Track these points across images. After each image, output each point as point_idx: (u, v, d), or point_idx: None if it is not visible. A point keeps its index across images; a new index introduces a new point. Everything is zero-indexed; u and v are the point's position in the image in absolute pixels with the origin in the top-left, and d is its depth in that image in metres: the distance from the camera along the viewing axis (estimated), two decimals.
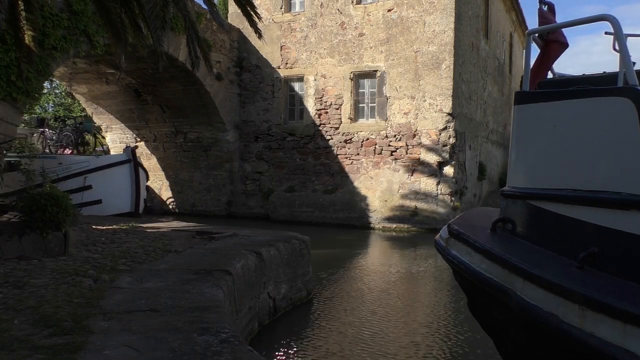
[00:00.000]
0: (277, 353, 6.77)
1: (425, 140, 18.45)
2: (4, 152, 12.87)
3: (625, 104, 3.40)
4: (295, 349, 6.92)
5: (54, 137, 19.24)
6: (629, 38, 3.97)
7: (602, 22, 3.83)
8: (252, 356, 3.74)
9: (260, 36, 10.09)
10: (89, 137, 19.90)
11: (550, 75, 4.98)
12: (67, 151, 19.11)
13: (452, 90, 18.04)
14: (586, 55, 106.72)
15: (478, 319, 4.77)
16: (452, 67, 18.02)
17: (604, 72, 4.58)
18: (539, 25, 4.70)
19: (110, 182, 16.14)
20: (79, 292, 5.26)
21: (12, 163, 16.04)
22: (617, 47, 3.89)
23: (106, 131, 23.84)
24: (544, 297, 3.29)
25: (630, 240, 3.22)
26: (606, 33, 4.23)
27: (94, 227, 9.99)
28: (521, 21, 29.14)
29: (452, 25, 17.96)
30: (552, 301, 3.22)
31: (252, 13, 9.71)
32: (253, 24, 9.79)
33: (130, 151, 16.70)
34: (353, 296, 9.97)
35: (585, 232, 3.55)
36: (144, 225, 10.75)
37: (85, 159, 16.52)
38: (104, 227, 10.04)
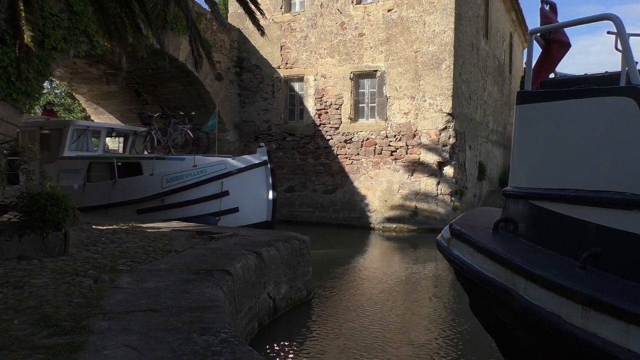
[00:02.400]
0: (277, 353, 6.76)
1: (425, 140, 18.44)
2: (4, 152, 12.82)
3: (628, 103, 3.39)
4: (295, 349, 6.91)
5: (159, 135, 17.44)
6: (631, 38, 3.96)
7: (600, 22, 3.82)
8: (252, 356, 3.73)
9: (262, 33, 10.08)
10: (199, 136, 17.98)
11: (551, 75, 4.96)
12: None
13: (452, 90, 18.03)
14: (584, 56, 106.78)
15: (480, 319, 4.76)
16: (452, 67, 18.01)
17: (606, 72, 4.57)
18: (541, 24, 4.69)
19: (246, 187, 14.27)
20: (79, 292, 5.25)
21: (133, 164, 15.03)
22: (619, 47, 3.88)
23: None
24: (547, 297, 3.28)
25: (633, 240, 3.21)
26: (608, 32, 4.21)
27: (94, 227, 9.97)
28: (521, 21, 29.14)
29: (452, 25, 17.96)
30: (555, 301, 3.21)
31: (254, 10, 9.68)
32: (255, 22, 9.77)
33: (266, 151, 14.67)
34: (353, 296, 9.96)
35: (588, 232, 3.54)
36: (144, 225, 10.73)
37: (221, 160, 14.68)
38: (104, 227, 10.02)
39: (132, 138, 17.51)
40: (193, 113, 17.92)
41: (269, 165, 14.29)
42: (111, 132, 17.28)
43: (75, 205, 13.72)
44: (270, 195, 14.24)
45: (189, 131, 16.67)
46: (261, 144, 16.45)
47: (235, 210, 14.11)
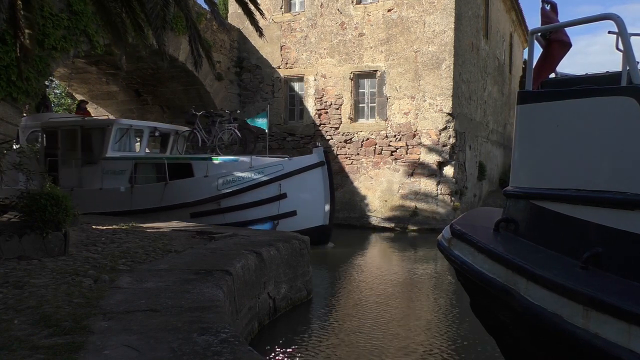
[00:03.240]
0: (277, 353, 6.75)
1: (425, 141, 18.43)
2: (4, 152, 12.76)
3: (630, 103, 3.38)
4: (295, 349, 6.90)
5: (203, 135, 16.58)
6: (632, 37, 3.95)
7: (600, 22, 3.81)
8: (252, 356, 3.73)
9: (261, 34, 10.10)
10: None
11: (552, 74, 4.96)
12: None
13: (452, 90, 18.03)
14: (583, 56, 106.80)
15: (480, 319, 4.75)
16: (452, 67, 18.01)
17: (607, 72, 4.56)
18: (542, 24, 4.69)
19: (304, 189, 13.67)
20: (79, 292, 5.25)
21: (183, 165, 14.30)
22: (620, 47, 3.87)
23: None
24: (548, 297, 3.27)
25: (634, 240, 3.20)
26: (610, 32, 4.21)
27: (94, 227, 9.97)
28: (521, 21, 29.13)
29: (452, 25, 17.95)
30: (556, 301, 3.21)
31: (253, 11, 9.68)
32: (254, 22, 9.78)
33: (322, 152, 14.04)
34: (353, 296, 9.95)
35: (589, 232, 3.53)
36: (144, 225, 10.72)
37: (278, 161, 14.06)
38: (104, 227, 10.01)
39: (173, 138, 16.84)
40: (238, 111, 17.56)
41: (325, 166, 13.82)
42: (154, 131, 16.49)
43: (122, 209, 13.61)
44: (328, 198, 13.85)
45: (236, 130, 15.97)
46: (317, 143, 16.06)
47: (293, 214, 13.65)
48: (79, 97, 22.00)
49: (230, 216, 13.25)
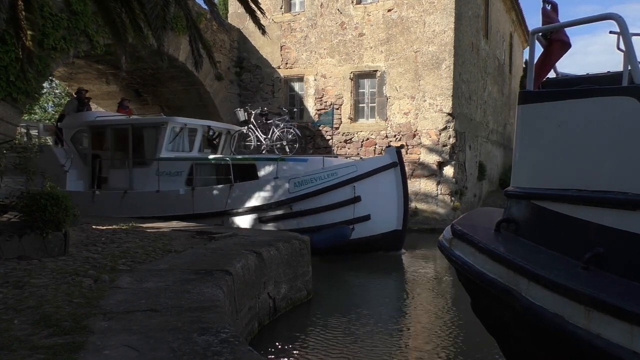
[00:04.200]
0: (277, 353, 6.75)
1: (425, 141, 18.43)
2: (4, 152, 12.71)
3: (631, 103, 3.37)
4: (295, 349, 6.89)
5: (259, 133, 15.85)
6: (633, 37, 3.94)
7: (598, 22, 3.80)
8: (252, 356, 3.72)
9: (264, 32, 10.08)
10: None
11: (553, 74, 4.95)
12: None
13: (452, 90, 18.03)
14: (582, 56, 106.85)
15: (481, 320, 4.74)
16: (452, 67, 18.00)
17: (608, 72, 4.55)
18: (543, 24, 4.68)
19: (377, 192, 12.79)
20: (79, 292, 5.24)
21: (246, 166, 13.51)
22: (621, 46, 3.87)
23: None
24: (550, 298, 3.27)
25: (636, 240, 3.19)
26: (611, 32, 4.20)
27: (94, 227, 9.96)
28: (521, 21, 29.13)
29: (452, 25, 17.95)
30: (558, 302, 3.20)
31: (255, 9, 9.67)
32: (256, 20, 9.76)
33: (395, 152, 13.17)
34: (353, 296, 9.94)
35: (590, 232, 3.53)
36: (144, 225, 10.71)
37: (351, 162, 13.27)
38: (104, 227, 10.01)
39: (224, 137, 16.01)
40: (295, 109, 16.99)
41: (398, 167, 13.01)
42: (208, 130, 15.60)
43: (182, 212, 13.07)
44: (402, 201, 12.99)
45: (296, 129, 15.34)
46: (389, 143, 15.49)
47: (367, 218, 12.90)
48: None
49: (303, 221, 12.55)
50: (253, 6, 9.61)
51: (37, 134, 18.04)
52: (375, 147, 19.20)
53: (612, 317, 2.85)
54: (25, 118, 30.31)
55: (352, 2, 19.48)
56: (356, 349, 6.90)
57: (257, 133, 15.58)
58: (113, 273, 6.14)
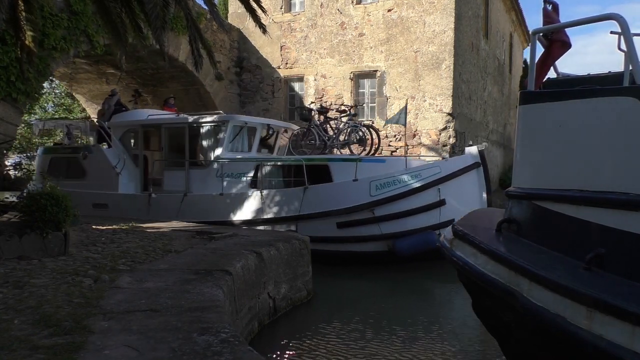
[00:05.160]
0: (277, 353, 6.74)
1: (426, 140, 18.41)
2: (4, 152, 12.70)
3: (632, 103, 3.37)
4: (295, 349, 6.89)
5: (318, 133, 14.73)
6: (634, 37, 3.94)
7: (598, 22, 3.80)
8: (252, 356, 3.72)
9: (264, 31, 10.04)
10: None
11: (554, 75, 4.95)
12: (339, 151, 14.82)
13: (452, 90, 18.01)
14: (581, 56, 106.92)
15: (482, 320, 4.74)
16: (452, 67, 17.99)
17: (609, 72, 4.55)
18: (544, 24, 4.68)
19: (460, 194, 11.96)
20: (79, 292, 5.24)
21: (317, 167, 12.41)
22: (622, 47, 3.86)
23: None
24: (551, 298, 3.26)
25: (637, 241, 3.18)
26: (612, 32, 4.20)
27: (94, 227, 9.95)
28: (521, 21, 29.13)
29: (452, 25, 17.94)
30: (559, 303, 3.19)
31: (255, 8, 9.66)
32: (257, 20, 9.75)
33: (478, 151, 12.29)
34: (353, 296, 9.94)
35: (592, 233, 3.52)
36: (144, 225, 10.71)
37: (435, 163, 12.49)
38: (104, 227, 10.00)
39: (279, 136, 15.24)
40: (359, 106, 15.74)
41: (481, 167, 12.16)
42: (268, 128, 14.65)
43: (250, 217, 12.37)
44: (485, 203, 12.02)
45: (364, 128, 14.40)
46: (470, 142, 14.60)
47: (452, 222, 11.75)
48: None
49: (386, 226, 11.71)
50: (254, 5, 9.61)
51: (79, 133, 17.27)
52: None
53: (614, 318, 2.84)
54: (25, 117, 30.30)
55: (352, 2, 19.47)
56: (356, 349, 6.89)
57: (319, 131, 14.51)
58: (113, 273, 6.13)
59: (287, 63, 20.79)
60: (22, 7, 8.10)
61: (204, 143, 13.72)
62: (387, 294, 10.23)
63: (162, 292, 5.33)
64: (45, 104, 37.36)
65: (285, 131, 15.45)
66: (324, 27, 19.95)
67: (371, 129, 14.38)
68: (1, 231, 6.81)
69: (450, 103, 18.03)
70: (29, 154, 36.19)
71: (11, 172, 11.26)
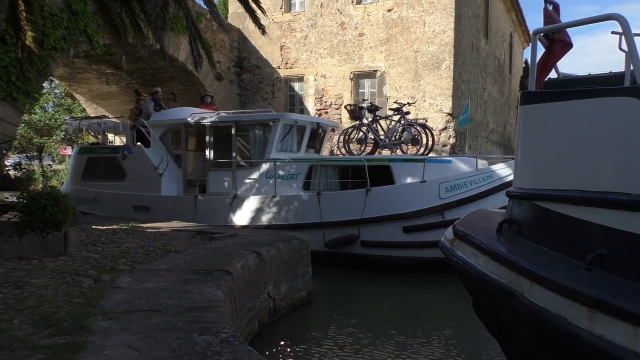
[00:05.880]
0: (277, 353, 6.74)
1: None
2: (4, 152, 12.67)
3: (633, 103, 3.36)
4: (295, 349, 6.89)
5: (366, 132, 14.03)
6: (635, 38, 3.93)
7: (598, 22, 3.80)
8: (252, 356, 3.72)
9: (263, 32, 10.01)
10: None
11: (555, 75, 4.94)
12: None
13: (452, 90, 18.01)
14: (581, 55, 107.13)
15: (483, 321, 4.73)
16: (452, 67, 17.99)
17: (610, 72, 4.55)
18: (544, 24, 4.67)
19: None
20: (79, 292, 5.24)
21: (378, 168, 11.74)
22: (623, 47, 3.86)
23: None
24: (552, 299, 3.25)
25: (638, 241, 3.18)
26: (613, 32, 4.19)
27: (93, 227, 9.95)
28: (521, 21, 29.13)
29: (452, 25, 17.94)
30: (560, 303, 3.18)
31: (255, 9, 9.66)
32: (256, 20, 9.75)
33: None
34: (353, 296, 9.94)
35: (593, 233, 3.51)
36: (144, 225, 10.71)
37: (505, 165, 11.57)
38: (104, 227, 10.00)
39: (327, 135, 14.65)
40: (410, 104, 14.76)
41: None
42: (317, 127, 13.99)
43: (306, 220, 11.72)
44: None
45: (418, 127, 13.59)
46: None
47: None
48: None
49: None
50: (253, 6, 9.61)
51: (114, 133, 16.85)
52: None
53: (615, 319, 2.83)
54: (25, 117, 30.29)
55: (352, 2, 19.47)
56: (356, 349, 6.89)
57: (372, 130, 13.82)
58: (113, 273, 6.13)
59: (287, 63, 20.79)
60: (22, 7, 8.09)
61: (254, 143, 13.14)
62: (387, 294, 10.22)
63: (162, 292, 5.33)
64: (45, 104, 37.36)
65: (333, 130, 14.89)
66: (324, 27, 19.95)
67: (425, 128, 13.70)
68: (1, 231, 6.81)
69: (450, 103, 18.03)
70: (29, 154, 36.22)
71: (11, 172, 11.20)
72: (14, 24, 8.26)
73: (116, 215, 13.23)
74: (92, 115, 19.63)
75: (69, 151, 41.48)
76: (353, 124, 14.59)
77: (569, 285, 3.17)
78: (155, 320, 4.35)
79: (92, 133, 16.30)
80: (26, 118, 32.15)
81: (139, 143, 14.31)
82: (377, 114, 14.24)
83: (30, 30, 8.27)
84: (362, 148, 13.98)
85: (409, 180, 11.47)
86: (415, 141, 13.61)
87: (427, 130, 13.64)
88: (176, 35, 17.46)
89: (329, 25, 19.88)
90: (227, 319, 4.68)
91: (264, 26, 10.00)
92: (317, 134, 14.10)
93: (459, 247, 4.57)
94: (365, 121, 14.06)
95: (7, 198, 10.00)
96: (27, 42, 8.31)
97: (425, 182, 11.04)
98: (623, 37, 3.81)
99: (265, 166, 12.72)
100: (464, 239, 4.53)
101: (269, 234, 10.12)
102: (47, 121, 36.09)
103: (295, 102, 21.01)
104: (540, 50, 4.62)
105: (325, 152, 14.84)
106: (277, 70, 20.97)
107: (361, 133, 14.01)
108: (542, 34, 4.59)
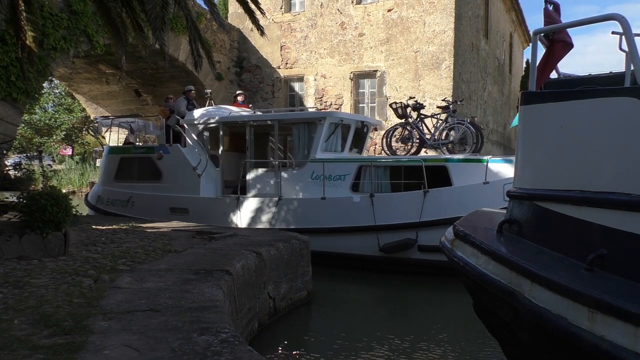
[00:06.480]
0: (277, 353, 6.74)
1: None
2: (4, 152, 12.66)
3: (634, 104, 3.36)
4: (295, 349, 6.89)
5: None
6: (636, 38, 3.93)
7: (599, 22, 3.79)
8: (252, 356, 3.71)
9: (262, 33, 9.99)
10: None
11: (555, 75, 4.94)
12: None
13: (452, 90, 18.02)
14: (581, 56, 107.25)
15: (483, 321, 4.73)
16: (452, 67, 18.00)
17: (611, 72, 4.54)
18: (545, 24, 4.66)
19: None
20: (79, 292, 5.23)
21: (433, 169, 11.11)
22: (624, 47, 3.85)
23: (106, 131, 23.77)
24: (553, 299, 3.25)
25: (639, 242, 3.18)
26: (613, 32, 4.19)
27: (93, 227, 9.95)
28: (521, 21, 29.16)
29: (452, 25, 17.95)
30: (561, 303, 3.18)
31: (254, 10, 9.66)
32: (255, 21, 9.76)
33: None
34: (353, 296, 9.94)
35: (593, 233, 3.51)
36: (144, 225, 10.70)
37: None
38: (104, 227, 9.99)
39: (369, 134, 14.04)
40: (460, 102, 14.20)
41: None
42: (362, 126, 13.55)
43: (358, 224, 11.02)
44: None
45: (469, 125, 12.79)
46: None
47: None
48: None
49: None
50: (253, 6, 9.61)
51: (143, 133, 16.16)
52: (375, 147, 19.17)
53: (616, 319, 2.83)
54: (26, 117, 30.30)
55: (352, 2, 19.48)
56: (356, 348, 6.89)
57: (418, 129, 13.16)
58: (113, 273, 6.13)
59: (287, 63, 20.80)
60: (22, 7, 8.09)
61: (296, 142, 12.64)
62: (387, 294, 10.23)
63: (162, 292, 5.33)
64: (45, 104, 37.38)
65: (375, 129, 14.38)
66: (324, 27, 19.96)
67: (474, 127, 12.99)
68: (1, 231, 6.81)
69: None
70: (29, 154, 36.24)
71: (11, 172, 11.16)
72: (14, 24, 8.26)
73: (152, 217, 12.68)
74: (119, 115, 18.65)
75: (68, 151, 41.54)
76: (398, 122, 13.98)
77: (570, 286, 3.16)
78: (155, 320, 4.34)
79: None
80: (26, 118, 32.18)
81: (174, 143, 13.81)
82: (421, 112, 13.70)
83: (30, 30, 8.27)
84: (409, 147, 13.34)
85: (466, 181, 10.90)
86: (463, 140, 12.95)
87: (476, 129, 12.99)
88: (176, 35, 17.48)
89: (329, 25, 19.88)
90: (227, 319, 4.68)
91: (262, 27, 9.99)
92: (361, 133, 13.63)
93: (459, 248, 4.57)
94: (410, 120, 13.48)
95: (7, 198, 9.99)
96: (27, 42, 8.31)
97: (487, 183, 10.50)
98: (623, 37, 3.80)
99: (310, 166, 12.20)
100: (464, 239, 4.52)
101: (269, 234, 10.10)
102: (47, 121, 36.13)
103: (295, 102, 21.03)
104: (541, 50, 4.61)
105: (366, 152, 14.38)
106: (277, 70, 20.99)
107: (407, 132, 13.34)
108: (542, 34, 4.58)
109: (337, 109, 19.78)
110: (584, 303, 3.03)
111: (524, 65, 33.01)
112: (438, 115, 13.55)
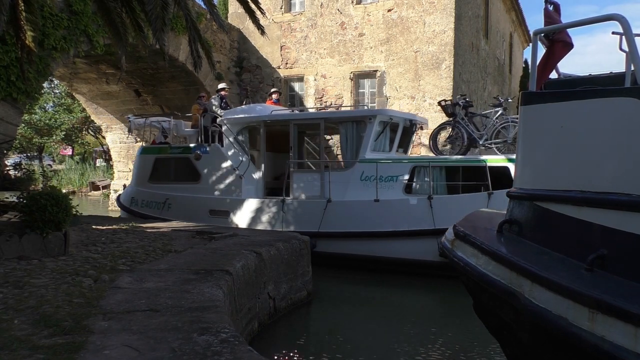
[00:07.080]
0: (277, 353, 6.74)
1: (426, 140, 18.37)
2: (4, 152, 12.63)
3: (634, 104, 3.36)
4: (295, 349, 6.89)
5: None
6: (636, 38, 3.93)
7: (599, 22, 3.80)
8: (252, 356, 3.71)
9: (263, 32, 9.98)
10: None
11: (555, 75, 4.93)
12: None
13: (452, 90, 18.00)
14: (580, 56, 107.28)
15: (483, 321, 4.73)
16: (452, 67, 17.99)
17: (611, 72, 4.54)
18: (545, 25, 4.66)
19: None
20: (79, 292, 5.23)
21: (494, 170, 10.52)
22: (624, 47, 3.85)
23: (106, 131, 23.80)
24: (553, 299, 3.25)
25: (639, 242, 3.18)
26: (614, 33, 4.19)
27: (93, 227, 9.95)
28: (521, 21, 29.14)
29: (452, 25, 17.94)
30: (561, 304, 3.18)
31: (254, 10, 9.66)
32: (255, 21, 9.75)
33: None
34: (353, 296, 9.93)
35: (593, 234, 3.51)
36: (144, 225, 10.70)
37: None
38: (104, 227, 9.99)
39: (413, 133, 13.69)
40: (510, 99, 13.34)
41: None
42: (410, 124, 12.99)
43: (415, 227, 10.45)
44: None
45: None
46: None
47: None
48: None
49: None
50: (253, 6, 9.61)
51: (175, 132, 15.63)
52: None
53: (616, 319, 2.83)
54: (26, 117, 30.29)
55: (352, 2, 19.47)
56: (356, 349, 6.89)
57: (468, 128, 12.47)
58: (113, 273, 6.13)
59: (287, 63, 20.79)
60: (22, 7, 8.09)
61: (343, 141, 12.17)
62: (387, 294, 10.22)
63: (162, 292, 5.33)
64: (45, 104, 37.37)
65: (421, 127, 14.10)
66: (324, 27, 19.95)
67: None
68: (1, 231, 6.81)
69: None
70: (29, 154, 36.22)
71: (11, 172, 11.15)
72: (14, 24, 8.26)
73: (190, 220, 12.32)
74: (150, 114, 17.89)
75: (68, 151, 41.55)
76: (445, 120, 13.44)
77: (570, 286, 3.16)
78: (155, 320, 4.34)
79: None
80: (26, 118, 32.18)
81: (210, 143, 13.49)
82: (469, 110, 13.02)
83: (30, 30, 8.26)
84: (460, 146, 12.60)
85: None
86: (516, 140, 12.33)
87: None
88: (176, 36, 17.46)
89: (329, 25, 19.87)
90: (227, 319, 4.68)
91: (263, 27, 9.99)
92: (409, 132, 13.16)
93: (460, 248, 4.57)
94: (460, 118, 12.81)
95: (7, 198, 9.98)
96: (27, 42, 8.30)
97: None
98: (624, 37, 3.80)
99: (359, 167, 11.68)
100: (465, 240, 4.52)
101: (269, 233, 10.09)
102: (47, 121, 36.13)
103: (295, 102, 21.01)
104: (541, 50, 4.61)
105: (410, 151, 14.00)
106: (277, 70, 20.97)
107: (456, 130, 12.68)
108: (542, 34, 4.58)
109: (337, 109, 19.77)
110: (584, 303, 3.03)
111: (524, 65, 33.00)
112: (490, 113, 12.87)
